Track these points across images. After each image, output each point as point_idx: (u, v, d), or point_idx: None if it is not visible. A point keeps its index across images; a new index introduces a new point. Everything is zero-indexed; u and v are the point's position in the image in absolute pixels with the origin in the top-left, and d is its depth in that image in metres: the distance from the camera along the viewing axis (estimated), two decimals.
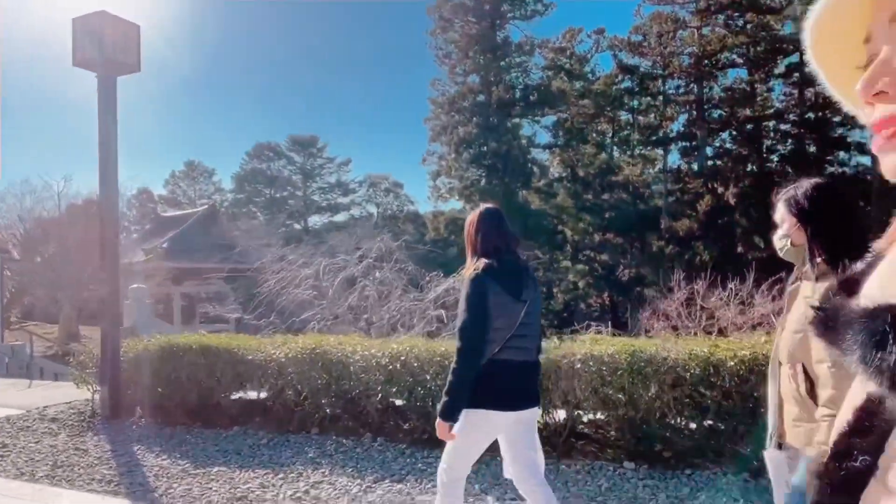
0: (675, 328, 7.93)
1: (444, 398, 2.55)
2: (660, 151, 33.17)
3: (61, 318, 23.13)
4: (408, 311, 9.24)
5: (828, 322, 0.53)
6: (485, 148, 31.43)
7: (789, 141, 30.17)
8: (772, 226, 2.14)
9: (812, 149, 29.13)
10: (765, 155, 30.46)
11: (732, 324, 7.54)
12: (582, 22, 49.35)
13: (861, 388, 0.53)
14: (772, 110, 30.39)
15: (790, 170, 27.40)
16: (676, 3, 30.43)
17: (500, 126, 31.29)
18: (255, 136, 76.42)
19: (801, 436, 1.94)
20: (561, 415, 4.59)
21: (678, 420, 4.22)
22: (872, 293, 0.50)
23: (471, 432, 2.61)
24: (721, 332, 7.19)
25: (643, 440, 4.25)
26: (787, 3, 28.18)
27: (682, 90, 31.86)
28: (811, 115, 28.71)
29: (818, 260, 1.91)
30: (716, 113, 31.25)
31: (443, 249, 24.85)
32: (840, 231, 1.93)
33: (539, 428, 4.58)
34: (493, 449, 2.86)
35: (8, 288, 24.16)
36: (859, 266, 0.58)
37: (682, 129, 32.05)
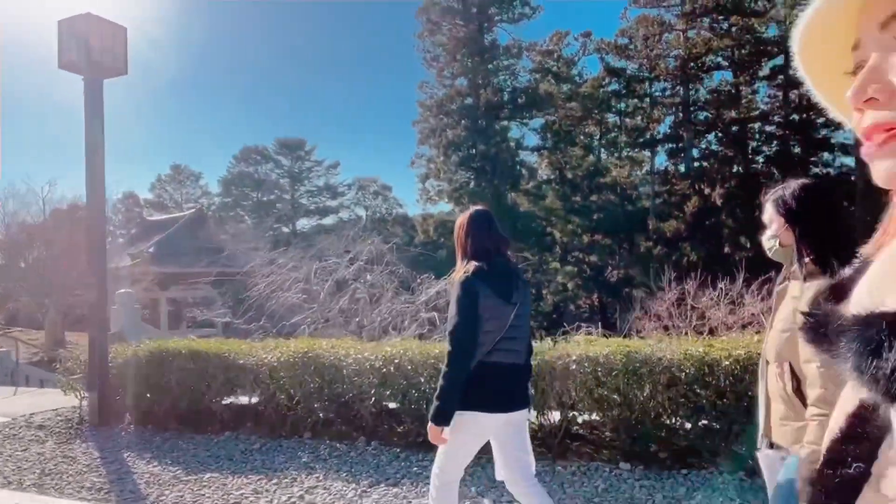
0: (666, 328, 7.97)
1: (436, 402, 2.54)
2: (647, 153, 33.40)
3: (47, 324, 22.83)
4: (399, 313, 9.20)
5: (818, 328, 0.53)
6: (473, 150, 31.49)
7: (774, 142, 30.52)
8: (760, 226, 2.15)
9: (797, 150, 29.48)
10: (750, 156, 30.78)
11: (723, 324, 7.58)
12: (569, 25, 49.52)
13: (853, 394, 0.52)
14: (757, 112, 30.73)
15: (775, 171, 27.73)
16: (662, 7, 30.71)
17: (488, 129, 31.35)
18: (243, 139, 76.15)
19: (787, 434, 1.95)
20: (556, 416, 4.59)
21: (673, 420, 4.23)
22: (862, 299, 0.50)
23: (461, 435, 2.60)
24: (712, 332, 7.23)
25: (638, 441, 4.25)
26: (770, 6, 28.54)
27: (668, 93, 32.12)
28: (795, 116, 29.07)
29: (806, 260, 1.93)
30: (702, 115, 31.54)
31: (433, 252, 24.83)
32: (828, 231, 1.94)
33: (534, 429, 4.59)
34: (489, 451, 2.85)
35: None
36: (847, 272, 0.57)
37: (669, 131, 32.31)
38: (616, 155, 33.84)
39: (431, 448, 2.74)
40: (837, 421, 0.54)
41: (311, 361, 5.31)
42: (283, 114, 70.36)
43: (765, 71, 30.03)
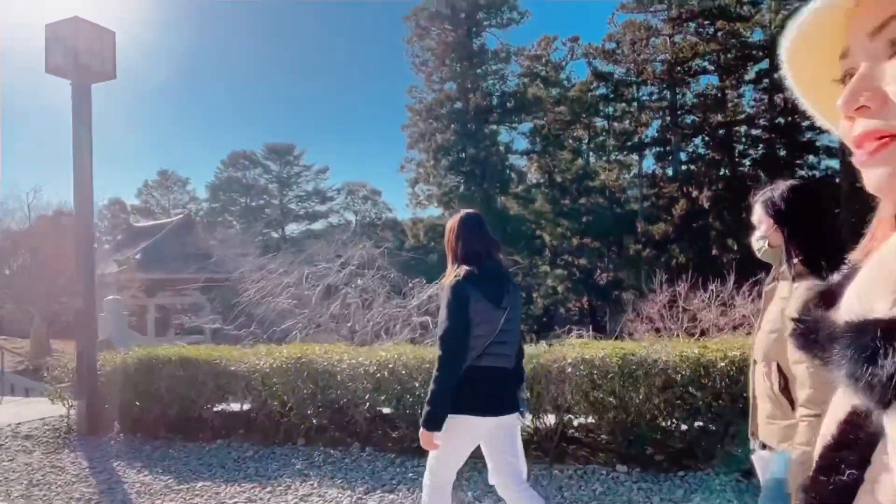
0: (657, 330, 8.00)
1: (427, 407, 2.53)
2: (635, 157, 33.61)
3: (32, 332, 22.49)
4: (391, 318, 9.16)
5: (808, 334, 0.53)
6: (463, 154, 31.52)
7: (760, 145, 30.82)
8: (748, 228, 2.17)
9: (782, 153, 29.79)
10: (737, 159, 31.07)
11: (714, 325, 7.62)
12: (557, 30, 49.81)
13: (844, 401, 0.52)
14: (743, 115, 31.06)
15: (762, 174, 28.00)
16: (649, 12, 30.95)
17: (477, 133, 31.41)
18: (231, 144, 75.52)
19: (774, 433, 1.97)
20: (552, 419, 4.57)
21: (669, 422, 4.23)
22: (851, 305, 0.50)
23: (452, 439, 2.59)
24: (703, 334, 7.27)
25: (635, 443, 4.24)
26: (756, 11, 28.88)
27: (655, 96, 32.37)
28: (781, 119, 29.40)
29: (795, 260, 1.94)
30: (689, 118, 31.82)
31: (423, 256, 24.80)
32: (816, 232, 1.96)
33: (530, 433, 4.57)
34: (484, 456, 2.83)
35: None
36: (836, 278, 0.58)
37: (657, 134, 32.53)
38: (604, 158, 34.02)
39: (426, 453, 2.72)
40: (829, 428, 0.54)
41: (305, 367, 5.26)
42: (272, 118, 70.14)
43: (750, 75, 30.37)
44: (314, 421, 5.34)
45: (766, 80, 29.12)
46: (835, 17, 0.52)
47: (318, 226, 47.21)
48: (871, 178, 0.50)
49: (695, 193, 30.01)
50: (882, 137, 0.49)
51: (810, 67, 0.55)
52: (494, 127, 32.79)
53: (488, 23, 32.77)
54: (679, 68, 30.58)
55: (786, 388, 1.93)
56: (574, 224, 30.61)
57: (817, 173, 29.29)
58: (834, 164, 28.44)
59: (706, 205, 29.42)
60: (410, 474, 4.51)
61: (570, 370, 4.28)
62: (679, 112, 31.47)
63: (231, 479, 4.71)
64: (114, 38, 6.59)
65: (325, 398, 5.20)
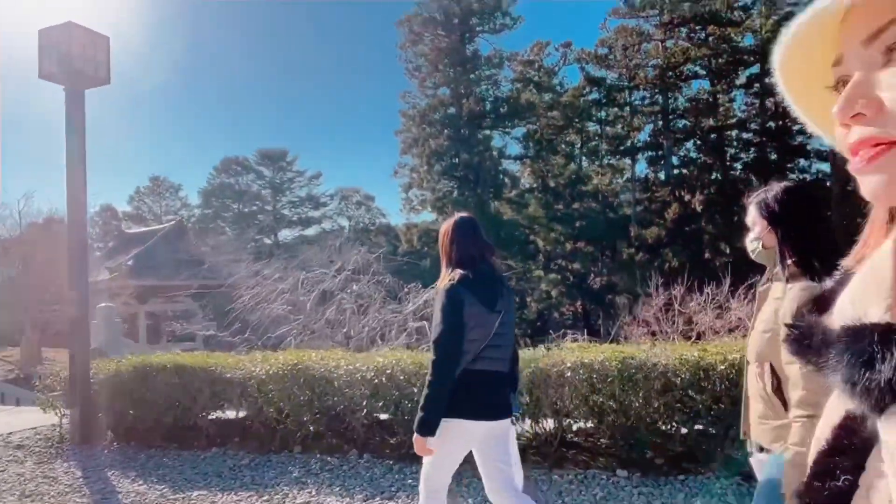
0: (653, 334, 8.00)
1: (420, 413, 2.51)
2: (627, 161, 33.74)
3: (23, 341, 22.29)
4: (387, 323, 9.12)
5: (802, 339, 0.54)
6: (456, 160, 31.55)
7: (752, 149, 31.03)
8: (742, 230, 2.17)
9: (774, 156, 30.02)
10: (728, 163, 31.26)
11: (710, 328, 7.64)
12: (549, 35, 50.01)
13: (839, 406, 0.53)
14: (734, 120, 31.25)
15: (753, 177, 28.22)
16: (641, 17, 31.16)
17: (471, 138, 31.47)
18: (223, 150, 75.43)
19: (766, 433, 1.97)
20: (551, 424, 4.55)
21: (669, 426, 4.22)
22: (845, 311, 0.50)
23: (446, 443, 2.57)
24: (699, 337, 7.28)
25: (635, 447, 4.23)
26: (746, 16, 29.12)
27: (647, 101, 32.54)
28: (772, 123, 29.61)
29: (789, 262, 1.94)
30: (680, 123, 32.00)
31: (417, 261, 24.77)
32: (810, 233, 1.97)
33: (529, 438, 4.55)
34: None
35: None
36: (829, 283, 0.59)
37: (649, 139, 32.71)
38: (597, 163, 34.14)
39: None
40: (824, 432, 0.54)
41: (301, 374, 5.22)
42: (265, 124, 69.99)
43: (741, 79, 30.59)
44: (311, 428, 5.29)
45: (758, 85, 29.35)
46: (827, 25, 0.52)
47: (311, 231, 47.07)
48: (867, 185, 0.51)
49: (687, 197, 30.17)
50: (878, 145, 0.49)
51: (802, 75, 0.56)
52: (488, 132, 32.87)
53: (481, 28, 32.88)
54: (671, 73, 30.78)
55: (778, 388, 1.93)
56: (567, 228, 30.68)
57: (808, 177, 29.52)
58: (825, 167, 28.70)
59: (699, 208, 29.58)
60: (409, 481, 4.47)
61: (569, 374, 4.26)
62: (671, 116, 31.66)
63: (227, 487, 4.66)
64: (108, 44, 6.54)
65: (321, 405, 5.16)
